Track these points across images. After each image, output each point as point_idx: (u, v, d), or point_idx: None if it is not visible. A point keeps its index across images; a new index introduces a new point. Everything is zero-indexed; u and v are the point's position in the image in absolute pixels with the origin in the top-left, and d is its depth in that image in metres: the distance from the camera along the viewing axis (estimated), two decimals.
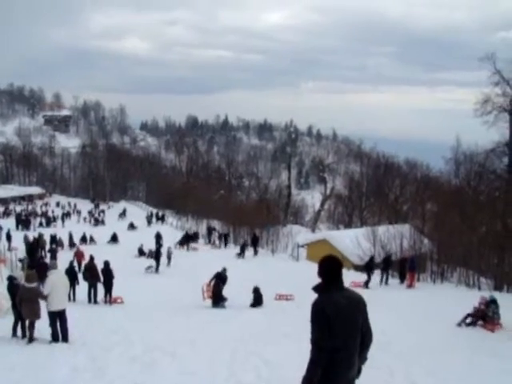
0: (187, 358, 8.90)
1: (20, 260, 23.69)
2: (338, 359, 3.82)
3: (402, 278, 23.22)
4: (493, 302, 13.19)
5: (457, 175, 45.50)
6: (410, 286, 22.31)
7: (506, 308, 13.31)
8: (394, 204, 58.39)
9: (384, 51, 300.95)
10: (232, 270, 20.17)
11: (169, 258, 28.45)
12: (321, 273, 4.00)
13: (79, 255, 22.93)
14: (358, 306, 3.98)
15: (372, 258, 24.06)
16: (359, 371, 4.15)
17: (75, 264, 21.74)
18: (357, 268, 29.02)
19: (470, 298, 14.81)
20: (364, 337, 4.04)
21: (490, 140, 38.37)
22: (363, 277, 23.42)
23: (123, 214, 60.33)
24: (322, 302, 3.86)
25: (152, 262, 27.04)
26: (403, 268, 23.39)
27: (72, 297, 17.09)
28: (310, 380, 3.81)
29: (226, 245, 39.26)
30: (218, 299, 17.40)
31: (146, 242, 33.69)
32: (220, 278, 17.91)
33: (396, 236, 29.35)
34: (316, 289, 3.98)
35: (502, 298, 14.61)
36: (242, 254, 33.06)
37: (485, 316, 13.00)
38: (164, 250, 28.73)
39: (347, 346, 3.86)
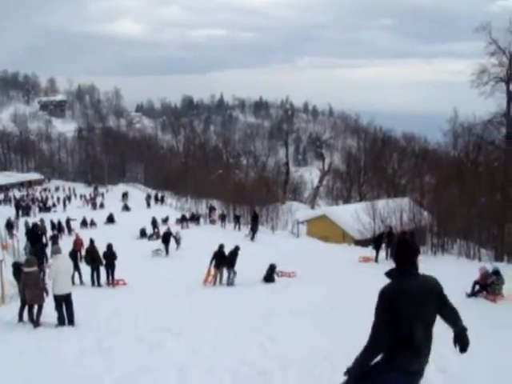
0: (193, 336, 8.98)
1: (24, 249, 23.67)
2: (400, 349, 3.71)
3: None
4: (495, 273, 13.24)
5: (455, 147, 45.27)
6: None
7: (507, 278, 13.35)
8: (392, 178, 58.48)
9: (379, 24, 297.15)
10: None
11: (177, 241, 28.06)
12: (394, 257, 3.89)
13: (78, 244, 22.41)
14: (430, 294, 3.78)
15: (381, 234, 23.60)
16: (465, 346, 3.96)
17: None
18: (357, 243, 29.15)
19: (471, 270, 14.87)
20: (446, 316, 3.96)
21: (487, 111, 38.32)
22: (366, 251, 23.44)
23: (125, 196, 60.20)
24: (387, 289, 3.75)
25: (160, 245, 26.63)
26: None
27: (78, 280, 17.23)
28: (361, 365, 3.77)
29: (238, 227, 36.90)
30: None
31: (145, 223, 33.83)
32: (219, 256, 18.07)
33: (395, 210, 29.35)
34: (388, 274, 3.85)
35: (503, 268, 14.66)
36: (252, 235, 31.83)
37: (486, 286, 13.08)
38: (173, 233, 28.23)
39: (413, 335, 3.68)
